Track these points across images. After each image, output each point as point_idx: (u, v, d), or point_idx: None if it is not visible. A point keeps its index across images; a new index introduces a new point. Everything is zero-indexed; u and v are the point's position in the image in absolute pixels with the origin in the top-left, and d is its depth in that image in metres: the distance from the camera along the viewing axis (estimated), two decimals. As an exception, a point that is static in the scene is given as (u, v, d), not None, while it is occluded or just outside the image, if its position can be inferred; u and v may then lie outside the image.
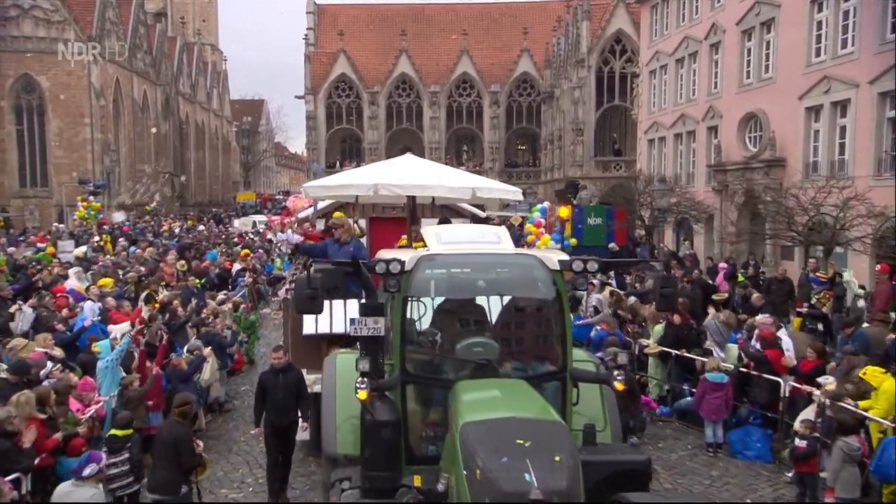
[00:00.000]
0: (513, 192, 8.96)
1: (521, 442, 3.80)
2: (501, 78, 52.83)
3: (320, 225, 11.41)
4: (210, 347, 9.37)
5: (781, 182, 20.96)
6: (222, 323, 10.90)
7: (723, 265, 16.83)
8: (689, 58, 28.43)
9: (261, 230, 30.84)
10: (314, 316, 7.59)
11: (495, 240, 5.59)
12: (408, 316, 5.12)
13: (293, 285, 5.13)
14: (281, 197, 57.68)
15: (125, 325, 8.14)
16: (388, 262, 4.80)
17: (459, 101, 53.23)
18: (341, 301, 7.72)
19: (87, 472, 5.74)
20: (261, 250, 21.36)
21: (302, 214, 12.87)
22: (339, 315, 7.58)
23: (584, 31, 41.17)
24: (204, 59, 66.16)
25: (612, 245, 16.29)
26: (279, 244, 24.09)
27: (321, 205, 12.31)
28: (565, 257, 5.13)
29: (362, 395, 4.64)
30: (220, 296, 12.97)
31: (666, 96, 30.74)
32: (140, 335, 7.85)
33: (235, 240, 23.86)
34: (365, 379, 4.71)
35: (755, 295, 13.26)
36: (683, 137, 29.19)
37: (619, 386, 4.74)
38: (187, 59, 60.64)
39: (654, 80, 32.13)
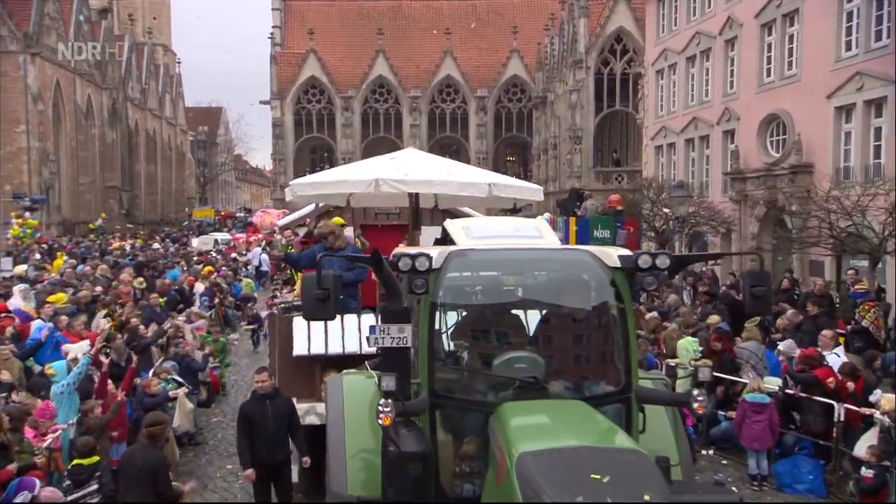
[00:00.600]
0: (534, 191, 8.68)
1: (598, 477, 3.50)
2: (489, 81, 53.07)
3: (303, 231, 10.95)
4: (181, 390, 8.83)
5: (809, 190, 20.88)
6: (194, 344, 10.63)
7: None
8: (701, 55, 28.61)
9: (223, 248, 30.78)
10: (306, 335, 7.27)
11: (535, 234, 5.26)
12: (436, 324, 4.72)
13: (301, 287, 4.70)
14: (243, 215, 57.10)
15: (83, 345, 7.66)
16: (413, 256, 4.41)
17: (443, 107, 53.34)
18: (337, 317, 7.36)
19: (18, 500, 5.49)
20: (225, 269, 21.24)
21: (282, 221, 12.42)
22: (335, 333, 7.29)
23: (581, 28, 41.53)
24: (155, 60, 65.75)
25: None
26: (246, 263, 23.76)
27: (295, 215, 11.96)
28: (626, 252, 4.79)
29: (386, 420, 4.20)
30: (183, 318, 12.56)
31: (675, 98, 30.89)
32: (100, 355, 7.52)
33: (196, 258, 23.40)
34: (389, 401, 4.26)
35: (790, 311, 12.97)
36: (696, 143, 29.26)
37: (699, 409, 4.36)
38: (137, 61, 60.14)
39: (661, 81, 32.29)
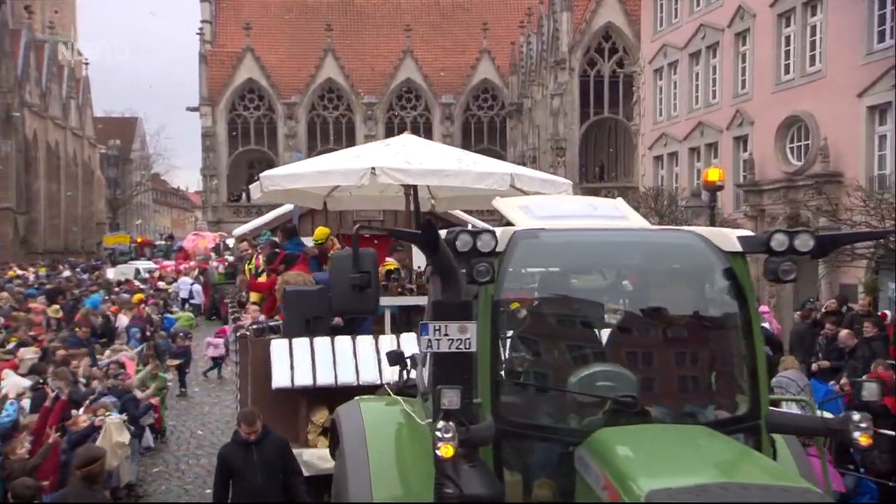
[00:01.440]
0: (561, 184, 8.34)
1: None
2: (455, 86, 53.19)
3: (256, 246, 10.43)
4: (113, 417, 8.40)
5: (838, 203, 20.86)
6: (136, 378, 10.32)
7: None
8: (707, 51, 28.87)
9: (147, 277, 30.12)
10: (287, 363, 6.85)
11: (618, 214, 4.79)
12: (502, 325, 4.29)
13: (329, 270, 4.21)
14: (164, 242, 55.93)
15: (18, 380, 7.00)
16: (474, 234, 3.94)
17: (402, 115, 53.29)
18: (326, 339, 7.23)
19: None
20: (154, 299, 20.79)
21: (239, 231, 11.93)
22: (324, 359, 7.09)
23: (564, 24, 41.96)
24: (59, 62, 64.35)
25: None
26: (177, 294, 23.38)
27: (258, 221, 11.49)
28: (747, 233, 4.36)
29: (447, 451, 3.68)
30: (111, 350, 12.23)
31: (677, 101, 31.10)
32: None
33: (118, 287, 22.74)
34: (451, 425, 3.69)
35: (843, 332, 12.70)
36: (702, 152, 29.40)
37: (864, 440, 3.90)
38: (36, 61, 58.74)
39: (660, 82, 32.55)
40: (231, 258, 27.61)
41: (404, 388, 5.43)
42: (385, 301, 8.21)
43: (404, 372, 5.46)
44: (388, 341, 7.35)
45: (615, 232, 4.58)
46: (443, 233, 4.01)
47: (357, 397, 5.59)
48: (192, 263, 30.06)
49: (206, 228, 35.66)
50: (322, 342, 7.24)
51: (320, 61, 52.60)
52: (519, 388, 4.37)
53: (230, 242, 30.09)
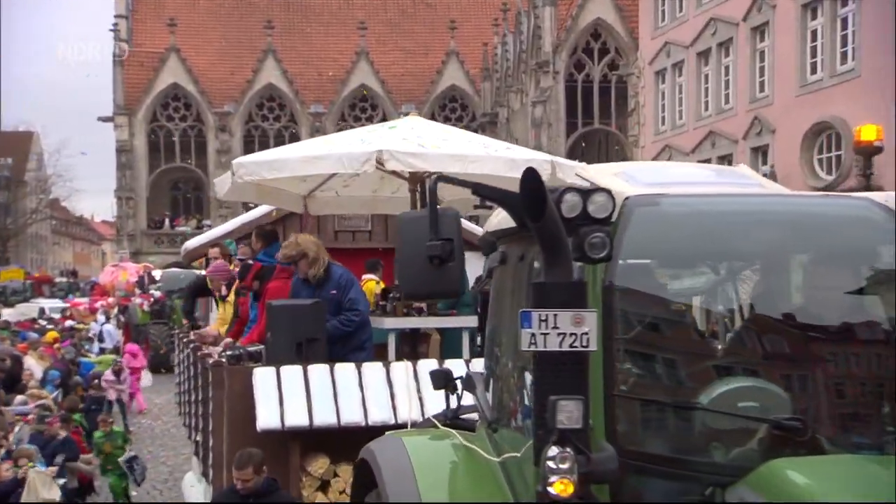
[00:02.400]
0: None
1: None
2: (418, 94, 53.23)
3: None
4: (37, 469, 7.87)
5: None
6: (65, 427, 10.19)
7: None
8: (718, 49, 29.08)
9: (55, 318, 29.52)
10: (275, 397, 6.71)
11: (748, 181, 4.37)
12: (618, 320, 3.87)
13: (400, 235, 3.79)
14: (65, 279, 54.92)
15: None
16: (584, 193, 3.53)
17: (356, 127, 52.94)
18: (324, 367, 6.74)
19: None
20: (71, 340, 20.76)
21: (193, 242, 11.43)
22: (322, 392, 6.64)
23: (546, 20, 42.28)
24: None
25: None
26: (95, 335, 23.66)
27: (203, 237, 11.09)
28: None
29: (565, 488, 3.30)
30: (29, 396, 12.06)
31: (683, 107, 31.26)
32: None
33: (16, 328, 22.14)
34: (569, 452, 3.32)
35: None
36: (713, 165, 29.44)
37: None
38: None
39: (662, 85, 32.78)
40: (158, 293, 27.00)
41: (454, 420, 4.98)
42: (389, 323, 7.86)
43: (453, 397, 4.98)
44: (402, 369, 6.88)
45: (764, 200, 4.14)
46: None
47: (390, 432, 5.14)
48: (111, 300, 29.52)
49: (128, 259, 34.85)
50: (319, 371, 6.74)
51: (259, 64, 52.41)
52: (642, 408, 3.87)
53: (157, 275, 29.71)
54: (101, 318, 27.14)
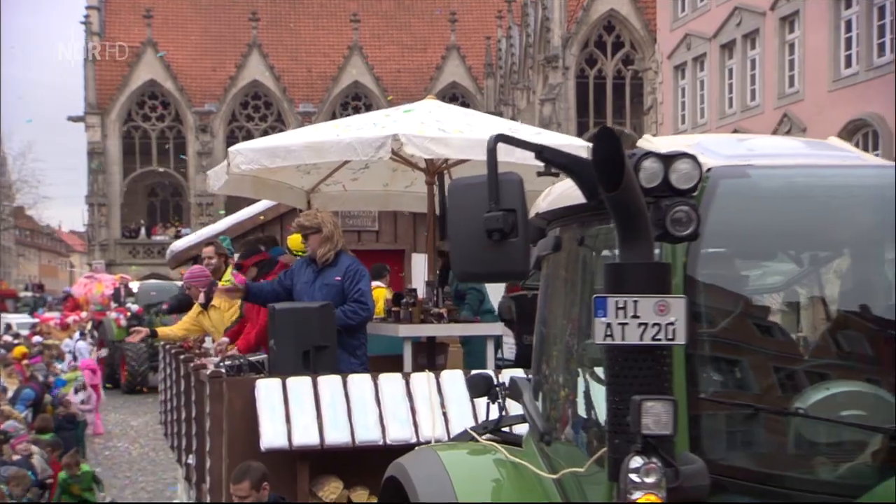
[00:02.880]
0: None
1: None
2: (415, 91, 52.51)
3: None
4: None
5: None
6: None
7: None
8: (743, 41, 28.95)
9: (24, 334, 29.28)
10: (281, 413, 6.41)
11: (844, 153, 4.17)
12: (704, 310, 3.67)
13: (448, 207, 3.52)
14: (31, 294, 54.76)
15: None
16: (666, 158, 3.29)
17: (348, 127, 53.08)
18: (335, 379, 6.54)
19: None
20: (42, 356, 20.56)
21: (180, 243, 11.23)
22: (335, 408, 6.47)
23: (556, 11, 42.32)
24: None
25: None
26: (69, 353, 23.40)
27: (193, 237, 10.92)
28: None
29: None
30: None
31: (706, 104, 31.15)
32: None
33: None
34: (656, 464, 3.11)
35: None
36: (740, 167, 29.34)
37: None
38: None
39: (682, 81, 32.69)
40: (135, 307, 26.80)
41: (496, 432, 4.84)
42: (404, 331, 7.66)
43: (495, 406, 4.78)
44: (423, 381, 6.64)
45: (874, 172, 3.90)
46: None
47: (423, 446, 5.00)
48: (85, 315, 29.23)
49: (103, 269, 34.52)
50: (330, 383, 6.50)
51: (243, 59, 52.32)
52: (730, 415, 3.62)
53: (135, 286, 29.48)
54: (76, 334, 26.95)
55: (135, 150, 52.45)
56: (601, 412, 3.74)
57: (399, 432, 6.41)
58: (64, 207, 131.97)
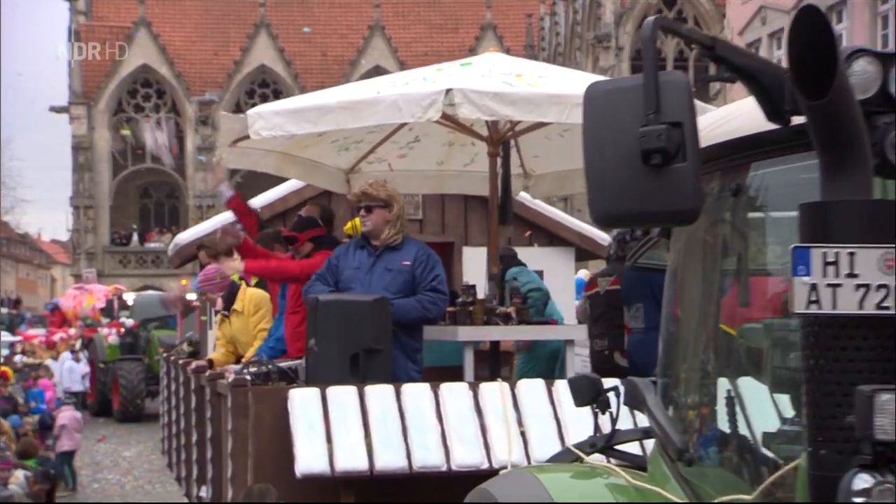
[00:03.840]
0: None
1: None
2: (445, 77, 53.10)
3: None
4: None
5: None
6: None
7: None
8: (828, 13, 28.42)
9: (3, 353, 28.87)
10: (321, 431, 6.10)
11: None
12: None
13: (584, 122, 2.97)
14: (6, 311, 54.97)
15: None
16: (884, 58, 2.92)
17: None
18: (388, 389, 6.25)
19: None
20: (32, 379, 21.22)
21: (187, 237, 10.95)
22: (387, 425, 6.19)
23: (607, -15, 42.42)
24: None
25: None
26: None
27: (201, 227, 11.36)
28: None
29: None
30: None
31: (785, 87, 30.98)
32: None
33: None
34: (879, 480, 2.65)
35: None
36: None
37: None
38: None
39: (756, 61, 32.61)
40: (129, 322, 26.82)
41: (608, 450, 4.42)
42: (465, 335, 7.28)
43: (604, 418, 4.32)
44: (496, 392, 6.27)
45: None
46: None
47: (516, 468, 4.72)
48: (73, 332, 29.40)
49: (95, 279, 34.49)
50: (381, 394, 6.16)
51: (249, 41, 52.44)
52: None
53: (130, 298, 29.35)
54: (65, 354, 27.23)
55: (126, 144, 52.08)
56: (770, 419, 3.41)
57: (466, 455, 6.05)
58: (44, 212, 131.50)
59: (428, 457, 6.04)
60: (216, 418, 7.06)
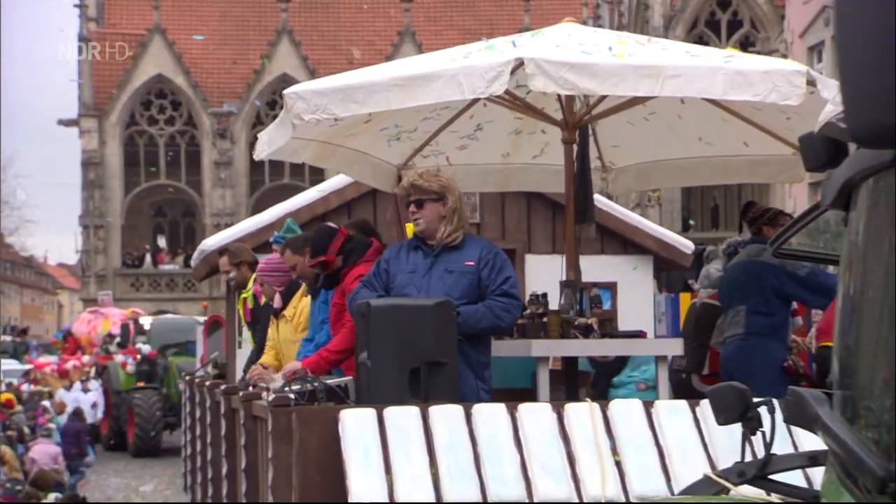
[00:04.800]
0: None
1: None
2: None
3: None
4: None
5: None
6: None
7: None
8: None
9: (14, 383, 29.29)
10: (379, 460, 5.58)
11: None
12: None
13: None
14: (10, 338, 55.37)
15: None
16: None
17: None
18: (457, 409, 5.70)
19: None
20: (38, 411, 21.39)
21: (214, 242, 10.59)
22: (457, 452, 5.67)
23: (655, -17, 42.54)
24: None
25: None
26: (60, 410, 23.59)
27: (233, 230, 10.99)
28: None
29: None
30: None
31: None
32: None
33: None
34: None
35: None
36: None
37: None
38: None
39: (818, 65, 32.41)
40: (146, 349, 26.78)
41: (762, 480, 3.95)
42: (539, 349, 6.80)
43: (755, 439, 3.95)
44: (584, 414, 5.71)
45: None
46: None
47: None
48: (87, 359, 29.11)
49: (110, 302, 34.19)
50: (448, 416, 5.62)
51: (270, 48, 52.59)
52: None
53: (147, 323, 29.25)
54: (75, 386, 27.15)
55: (139, 159, 52.96)
56: None
57: (552, 489, 5.48)
58: (51, 234, 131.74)
59: (505, 490, 5.50)
60: (251, 445, 6.50)
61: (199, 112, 52.34)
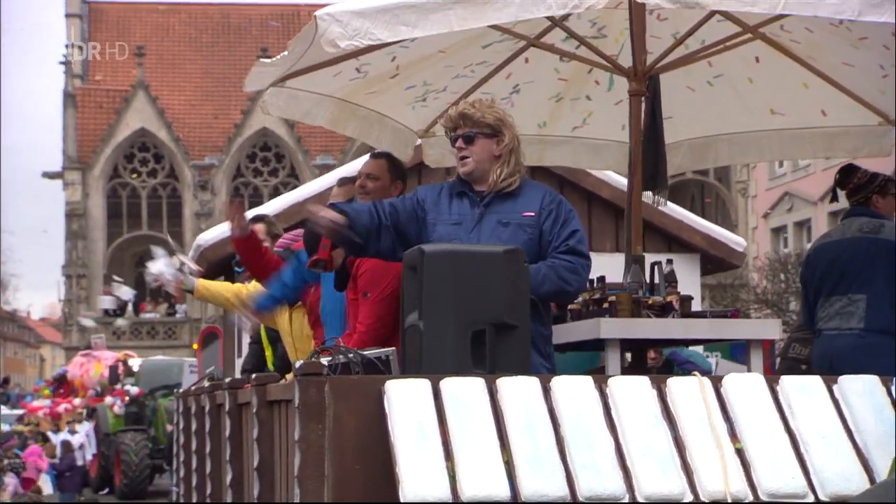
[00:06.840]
0: None
1: None
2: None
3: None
4: None
5: None
6: None
7: None
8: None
9: (6, 429, 28.82)
10: (438, 445, 4.44)
11: None
12: None
13: None
14: None
15: None
16: None
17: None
18: (532, 382, 4.53)
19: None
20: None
21: (211, 236, 9.47)
22: (535, 434, 4.53)
23: None
24: None
25: None
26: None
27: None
28: None
29: None
30: None
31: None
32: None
33: None
34: None
35: None
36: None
37: None
38: None
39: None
40: (134, 390, 26.12)
41: None
42: (609, 330, 5.67)
43: None
44: (694, 387, 4.47)
45: None
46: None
47: None
48: (78, 402, 28.61)
49: (103, 345, 33.77)
50: (522, 389, 4.39)
51: (250, 104, 52.20)
52: None
53: (136, 364, 28.82)
54: (68, 427, 26.36)
55: (121, 211, 53.35)
56: None
57: (658, 483, 4.26)
58: (33, 289, 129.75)
59: (600, 483, 4.25)
60: (265, 438, 5.13)
61: (181, 164, 52.98)
